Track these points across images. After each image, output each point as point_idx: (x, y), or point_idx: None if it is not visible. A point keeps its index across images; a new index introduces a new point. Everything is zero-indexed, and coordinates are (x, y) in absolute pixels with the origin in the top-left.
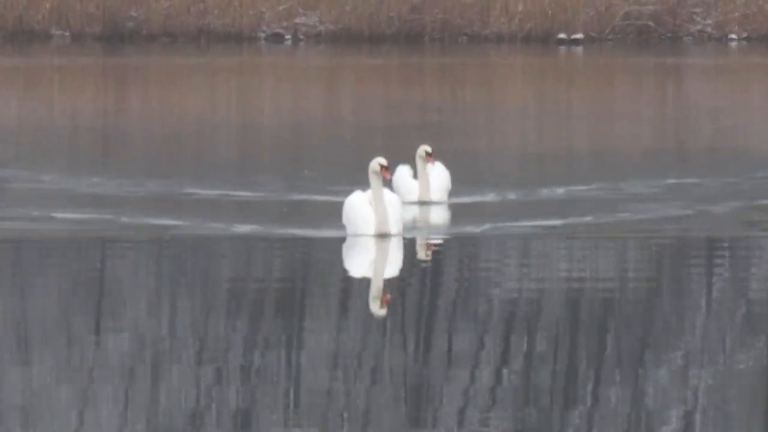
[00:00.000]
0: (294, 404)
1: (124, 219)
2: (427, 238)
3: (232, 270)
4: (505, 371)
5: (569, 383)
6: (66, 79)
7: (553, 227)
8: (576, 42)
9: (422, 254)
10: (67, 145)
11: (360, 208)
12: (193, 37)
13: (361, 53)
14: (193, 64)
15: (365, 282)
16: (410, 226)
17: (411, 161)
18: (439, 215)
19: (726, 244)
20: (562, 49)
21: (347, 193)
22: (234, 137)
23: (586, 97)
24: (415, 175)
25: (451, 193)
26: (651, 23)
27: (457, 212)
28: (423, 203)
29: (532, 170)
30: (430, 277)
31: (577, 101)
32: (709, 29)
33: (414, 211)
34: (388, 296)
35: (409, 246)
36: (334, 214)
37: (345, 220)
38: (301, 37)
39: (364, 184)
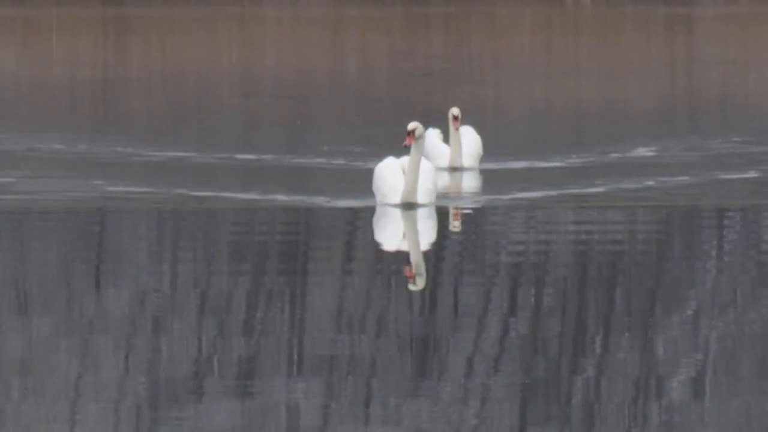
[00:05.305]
0: (298, 358)
1: (124, 186)
2: (456, 207)
3: (236, 237)
4: (528, 334)
5: (597, 338)
6: (64, 30)
7: (570, 195)
8: None
9: (447, 223)
10: (66, 101)
11: (388, 177)
12: None
13: (365, 3)
14: (193, 14)
15: (377, 250)
16: (441, 194)
17: (441, 124)
18: (470, 182)
19: (736, 213)
20: None
21: (350, 153)
22: (237, 90)
23: (594, 49)
24: (446, 139)
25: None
26: None
27: (488, 179)
28: (453, 169)
29: (542, 130)
30: (450, 246)
31: (585, 53)
32: None
33: (444, 178)
34: (410, 272)
35: (437, 215)
36: (340, 180)
37: (374, 187)
38: None
39: (367, 139)
